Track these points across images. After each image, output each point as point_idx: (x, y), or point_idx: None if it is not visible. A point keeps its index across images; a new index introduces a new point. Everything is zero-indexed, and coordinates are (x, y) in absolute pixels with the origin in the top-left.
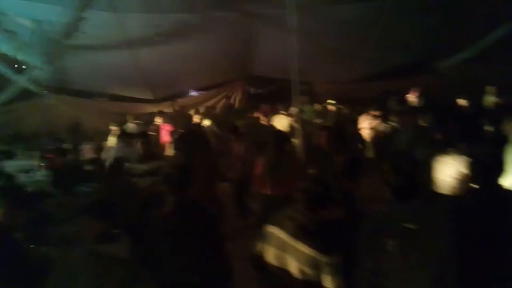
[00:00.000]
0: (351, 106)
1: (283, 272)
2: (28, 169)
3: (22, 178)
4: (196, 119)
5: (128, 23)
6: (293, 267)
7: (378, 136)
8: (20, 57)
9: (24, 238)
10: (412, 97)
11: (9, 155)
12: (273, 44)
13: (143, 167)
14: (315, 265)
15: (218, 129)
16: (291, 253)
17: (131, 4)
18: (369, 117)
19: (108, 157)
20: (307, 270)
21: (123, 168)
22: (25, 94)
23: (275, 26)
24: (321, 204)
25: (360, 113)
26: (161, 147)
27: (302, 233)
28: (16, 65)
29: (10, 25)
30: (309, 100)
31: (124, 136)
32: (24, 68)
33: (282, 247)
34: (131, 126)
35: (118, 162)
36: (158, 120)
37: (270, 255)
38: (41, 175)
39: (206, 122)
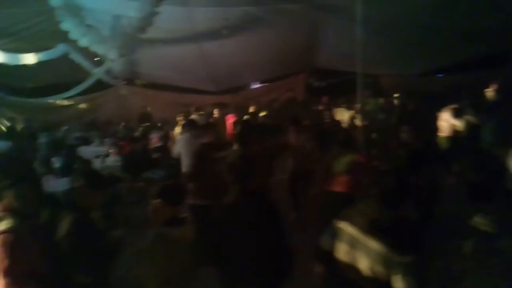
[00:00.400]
0: (420, 100)
1: (352, 268)
2: (102, 154)
3: (97, 163)
4: (253, 110)
5: (196, 17)
6: (363, 264)
7: (456, 133)
8: (99, 50)
9: (99, 219)
10: (492, 91)
11: (86, 141)
12: (338, 36)
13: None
14: (387, 264)
15: (276, 121)
16: (361, 250)
17: None
18: (448, 112)
19: (177, 146)
20: (378, 268)
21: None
22: (101, 85)
23: (341, 17)
24: (395, 199)
25: (434, 108)
26: (228, 137)
27: (374, 229)
28: (95, 58)
29: (91, 20)
30: (373, 94)
31: (190, 126)
32: (101, 60)
33: (353, 243)
34: (195, 117)
35: (205, 148)
36: (217, 112)
37: (340, 250)
38: (113, 160)
39: (263, 114)
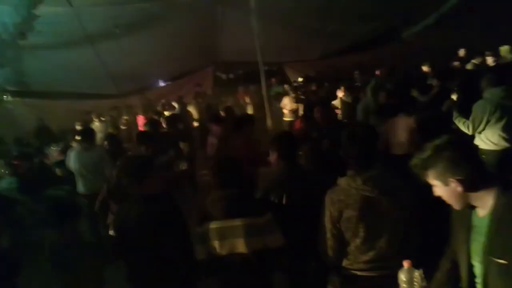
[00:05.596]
0: (321, 83)
1: (233, 256)
2: None
3: None
4: (161, 110)
5: (85, 18)
6: (241, 246)
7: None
8: None
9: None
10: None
11: None
12: (239, 27)
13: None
14: (256, 230)
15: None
16: (234, 234)
17: None
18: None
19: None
20: (252, 239)
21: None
22: None
23: (239, 8)
24: (230, 176)
25: (330, 89)
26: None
27: (231, 209)
28: None
29: None
30: (279, 81)
31: (85, 137)
32: None
33: (224, 235)
34: (97, 124)
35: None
36: (125, 116)
37: (215, 248)
38: (8, 182)
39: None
